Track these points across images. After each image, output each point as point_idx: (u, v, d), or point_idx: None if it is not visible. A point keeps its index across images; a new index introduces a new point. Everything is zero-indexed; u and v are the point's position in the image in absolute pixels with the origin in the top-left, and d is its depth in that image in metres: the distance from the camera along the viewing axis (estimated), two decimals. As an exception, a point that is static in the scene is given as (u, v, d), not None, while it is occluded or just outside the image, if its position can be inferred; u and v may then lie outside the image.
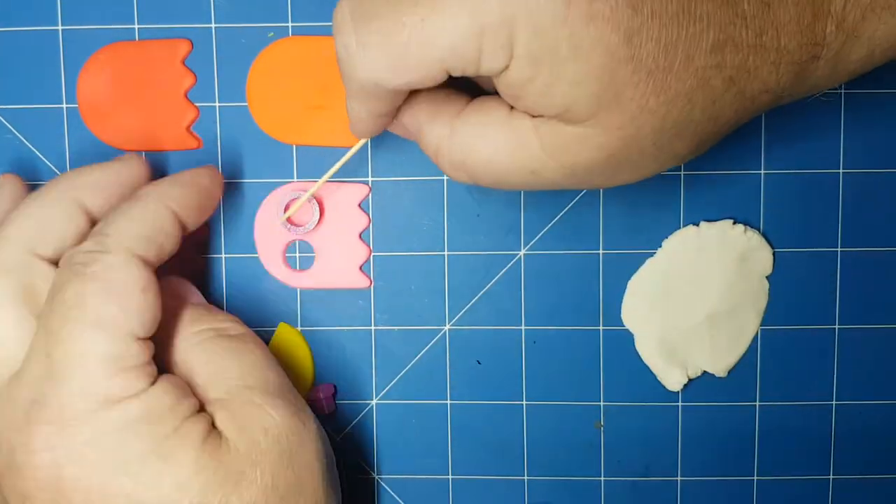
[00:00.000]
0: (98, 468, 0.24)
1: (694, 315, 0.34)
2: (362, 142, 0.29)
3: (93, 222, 0.28)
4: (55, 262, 0.27)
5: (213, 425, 0.26)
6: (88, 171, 0.29)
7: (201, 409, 0.27)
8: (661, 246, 0.34)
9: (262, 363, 0.29)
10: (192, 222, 0.28)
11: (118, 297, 0.25)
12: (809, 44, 0.22)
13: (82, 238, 0.27)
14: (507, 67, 0.22)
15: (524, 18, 0.20)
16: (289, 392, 0.28)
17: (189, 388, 0.27)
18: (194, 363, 0.28)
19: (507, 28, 0.21)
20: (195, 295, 0.32)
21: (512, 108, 0.25)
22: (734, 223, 0.34)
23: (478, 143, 0.25)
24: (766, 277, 0.34)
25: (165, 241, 0.27)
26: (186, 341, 0.28)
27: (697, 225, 0.34)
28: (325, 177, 0.31)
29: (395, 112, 0.26)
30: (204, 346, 0.28)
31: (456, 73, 0.22)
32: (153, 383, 0.25)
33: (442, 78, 0.23)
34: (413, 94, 0.26)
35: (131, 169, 0.29)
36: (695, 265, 0.34)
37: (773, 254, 0.34)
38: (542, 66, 0.21)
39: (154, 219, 0.27)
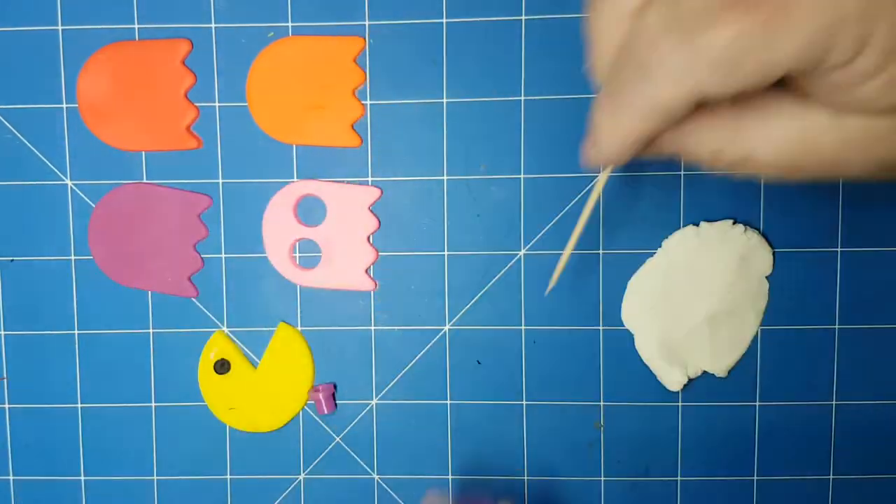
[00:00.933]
0: None
1: (694, 315, 0.34)
2: (609, 170, 0.24)
3: None
4: None
5: None
6: None
7: None
8: (661, 246, 0.34)
9: None
10: None
11: None
12: None
13: None
14: (849, 63, 0.20)
15: (892, 7, 0.18)
16: None
17: None
18: None
19: (867, 19, 0.19)
20: None
21: (801, 102, 0.22)
22: (734, 223, 0.34)
23: (765, 145, 0.22)
24: (766, 277, 0.34)
25: None
26: None
27: (697, 225, 0.34)
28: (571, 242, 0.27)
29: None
30: None
31: (793, 73, 0.20)
32: None
33: (767, 85, 0.20)
34: None
35: None
36: (695, 265, 0.34)
37: (773, 254, 0.34)
38: (893, 61, 0.19)
39: None
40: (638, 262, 0.34)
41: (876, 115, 0.21)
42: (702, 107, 0.22)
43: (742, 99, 0.22)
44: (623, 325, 0.35)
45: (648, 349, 0.34)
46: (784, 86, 0.21)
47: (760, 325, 0.34)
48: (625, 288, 0.34)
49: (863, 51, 0.19)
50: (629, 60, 0.20)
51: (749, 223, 0.34)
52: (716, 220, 0.34)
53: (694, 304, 0.34)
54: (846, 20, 0.19)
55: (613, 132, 0.21)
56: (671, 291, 0.34)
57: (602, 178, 0.25)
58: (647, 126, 0.21)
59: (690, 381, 0.34)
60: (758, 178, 0.23)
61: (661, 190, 0.34)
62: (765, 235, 0.34)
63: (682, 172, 0.34)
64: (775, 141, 0.22)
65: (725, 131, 0.23)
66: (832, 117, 0.22)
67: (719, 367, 0.34)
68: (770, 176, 0.23)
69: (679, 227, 0.34)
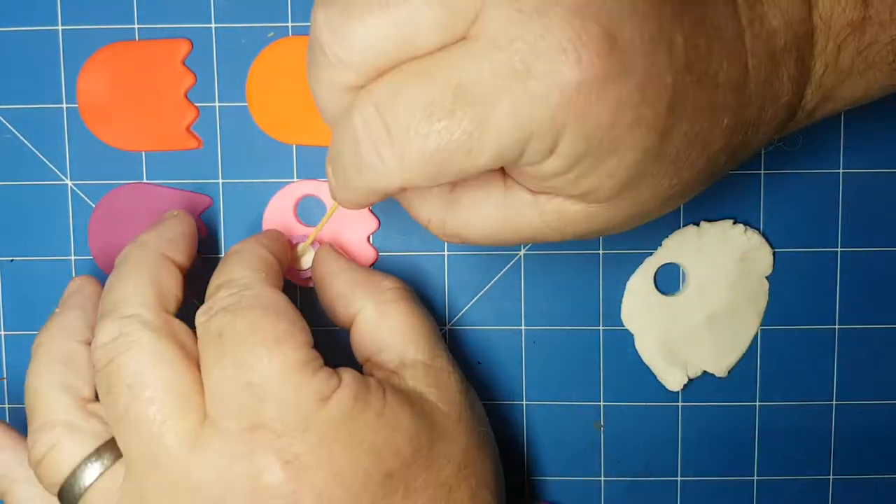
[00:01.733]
0: (335, 461, 0.25)
1: (694, 315, 0.34)
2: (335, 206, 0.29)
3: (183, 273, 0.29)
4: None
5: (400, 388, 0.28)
6: (165, 230, 0.30)
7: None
8: (661, 245, 0.34)
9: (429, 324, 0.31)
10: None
11: (283, 316, 0.26)
12: (793, 109, 0.25)
13: (184, 295, 0.28)
14: (541, 162, 0.22)
15: (573, 125, 0.20)
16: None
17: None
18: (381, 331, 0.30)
19: (553, 133, 0.21)
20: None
21: (506, 181, 0.25)
22: (734, 223, 0.34)
23: (474, 221, 0.25)
24: (767, 277, 0.34)
25: (272, 267, 0.29)
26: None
27: (698, 225, 0.34)
28: (319, 227, 0.31)
29: None
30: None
31: (486, 170, 0.22)
32: (339, 377, 0.26)
33: (474, 177, 0.23)
34: None
35: (187, 224, 0.31)
36: (695, 265, 0.34)
37: (774, 254, 0.34)
38: (580, 162, 0.21)
39: (260, 254, 0.29)
40: (638, 262, 0.34)
41: (568, 199, 0.24)
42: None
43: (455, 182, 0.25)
44: (623, 325, 0.35)
45: (648, 349, 0.34)
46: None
47: (760, 326, 0.34)
48: (624, 288, 0.34)
49: (550, 156, 0.21)
50: (346, 147, 0.22)
51: (749, 223, 0.34)
52: (716, 221, 0.34)
53: (694, 304, 0.34)
54: (535, 133, 0.20)
55: (343, 196, 0.23)
56: (672, 291, 0.34)
57: (333, 210, 0.30)
58: (370, 200, 0.23)
59: (691, 380, 0.34)
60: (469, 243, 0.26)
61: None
62: (765, 235, 0.34)
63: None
64: (482, 218, 0.25)
65: (440, 206, 0.26)
66: (532, 200, 0.24)
67: (719, 367, 0.34)
68: (478, 244, 0.26)
69: (679, 227, 0.34)
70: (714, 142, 0.23)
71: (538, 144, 0.21)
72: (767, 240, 0.34)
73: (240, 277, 0.27)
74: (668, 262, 0.34)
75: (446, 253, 0.34)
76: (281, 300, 0.27)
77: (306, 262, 0.33)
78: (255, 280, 0.27)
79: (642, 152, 0.21)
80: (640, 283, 0.34)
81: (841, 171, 0.34)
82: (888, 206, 0.34)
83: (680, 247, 0.34)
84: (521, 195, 0.24)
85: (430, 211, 0.26)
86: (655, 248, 0.34)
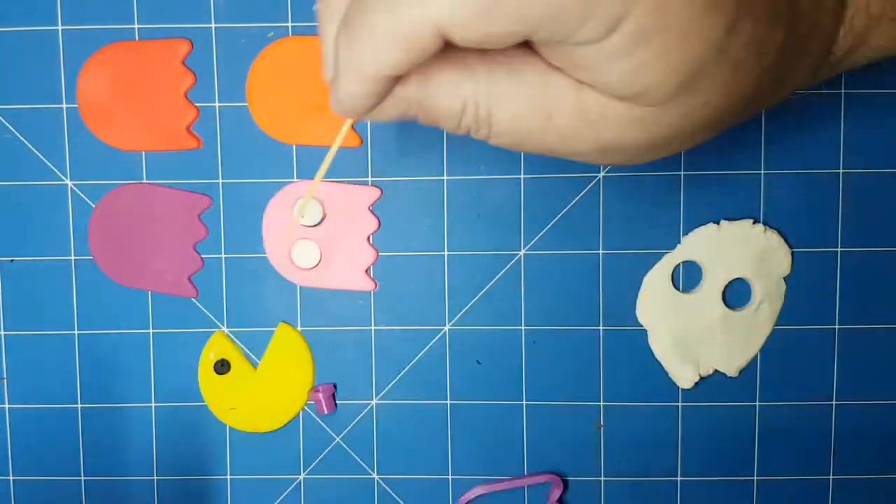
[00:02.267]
0: None
1: (710, 313, 0.34)
2: (350, 122, 0.23)
3: None
4: None
5: None
6: None
7: None
8: (680, 242, 0.34)
9: None
10: None
11: None
12: (828, 49, 0.24)
13: None
14: (602, 39, 0.19)
15: None
16: None
17: None
18: None
19: (624, 0, 0.18)
20: None
21: (548, 69, 0.22)
22: (754, 223, 0.34)
23: (507, 103, 0.21)
24: (784, 278, 0.34)
25: None
26: None
27: (718, 223, 0.34)
28: (322, 170, 0.26)
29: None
30: None
31: (538, 39, 0.19)
32: None
33: (515, 42, 0.19)
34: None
35: None
36: (713, 263, 0.34)
37: (793, 254, 0.34)
38: (645, 45, 0.19)
39: None
40: (638, 262, 0.34)
41: (614, 98, 0.21)
42: (451, 55, 0.21)
43: (490, 54, 0.21)
44: (624, 326, 0.35)
45: (662, 346, 0.34)
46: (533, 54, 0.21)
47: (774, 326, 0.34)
48: (624, 288, 0.34)
49: (616, 30, 0.19)
50: None
51: (769, 224, 0.34)
52: (736, 220, 0.34)
53: (711, 302, 0.34)
54: None
55: (351, 66, 0.19)
56: (688, 289, 0.34)
57: (343, 132, 0.23)
58: (388, 58, 0.19)
59: (702, 378, 0.34)
60: (498, 142, 0.22)
61: (661, 190, 0.34)
62: (784, 236, 0.34)
63: (682, 173, 0.34)
64: (517, 100, 0.21)
65: (476, 83, 0.21)
66: (574, 90, 0.21)
67: (731, 367, 0.34)
68: (500, 143, 0.22)
69: (699, 225, 0.34)
70: (767, 54, 0.21)
71: (605, 10, 0.18)
72: (787, 241, 0.34)
73: None
74: (686, 259, 0.34)
75: (446, 253, 0.34)
76: None
77: (308, 217, 0.32)
78: None
79: (709, 43, 0.20)
80: (657, 280, 0.34)
81: (841, 171, 0.34)
82: (888, 206, 0.34)
83: (699, 244, 0.34)
84: (563, 83, 0.21)
85: (466, 89, 0.21)
86: (675, 246, 0.34)
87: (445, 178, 0.34)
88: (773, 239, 0.34)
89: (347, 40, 0.19)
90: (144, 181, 0.34)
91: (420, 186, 0.34)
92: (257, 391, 0.35)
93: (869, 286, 0.34)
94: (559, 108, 0.21)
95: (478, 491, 0.35)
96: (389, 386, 0.35)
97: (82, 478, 0.35)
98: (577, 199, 0.34)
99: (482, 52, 0.21)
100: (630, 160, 0.23)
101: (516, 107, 0.22)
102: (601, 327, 0.35)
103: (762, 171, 0.34)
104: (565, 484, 0.35)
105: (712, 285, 0.34)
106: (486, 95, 0.21)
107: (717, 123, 0.22)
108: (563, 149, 0.22)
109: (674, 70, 0.20)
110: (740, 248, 0.34)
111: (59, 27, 0.34)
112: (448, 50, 0.20)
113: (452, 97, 0.22)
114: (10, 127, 0.34)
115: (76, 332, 0.35)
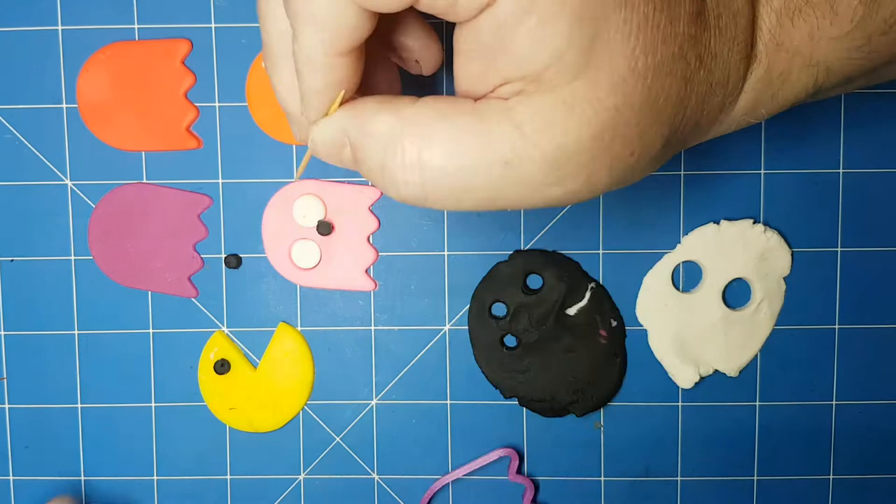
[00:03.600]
0: None
1: (710, 313, 0.34)
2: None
3: None
4: None
5: None
6: None
7: None
8: (680, 242, 0.34)
9: None
10: None
11: None
12: (748, 43, 0.23)
13: None
14: (494, 2, 0.20)
15: None
16: None
17: None
18: None
19: None
20: None
21: (476, 99, 0.22)
22: (754, 223, 0.34)
23: (439, 133, 0.21)
24: (784, 278, 0.34)
25: None
26: None
27: (718, 223, 0.34)
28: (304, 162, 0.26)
29: (355, 76, 0.22)
30: None
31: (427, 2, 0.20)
32: None
33: (409, 3, 0.20)
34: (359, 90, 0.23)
35: None
36: (713, 263, 0.34)
37: (793, 255, 0.34)
38: (535, 4, 0.19)
39: None
40: (638, 262, 0.34)
41: (535, 84, 0.21)
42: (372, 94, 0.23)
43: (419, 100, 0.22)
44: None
45: (662, 346, 0.34)
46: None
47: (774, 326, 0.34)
48: (624, 288, 0.34)
49: None
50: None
51: (769, 224, 0.34)
52: (736, 220, 0.34)
53: (711, 302, 0.34)
54: None
55: (302, 58, 0.21)
56: (688, 289, 0.34)
57: (307, 157, 0.24)
58: (325, 37, 0.21)
59: (702, 378, 0.34)
60: (433, 194, 0.22)
61: (660, 190, 0.34)
62: (784, 236, 0.34)
63: (682, 173, 0.34)
64: (452, 133, 0.21)
65: (395, 119, 0.22)
66: (505, 107, 0.21)
67: (731, 367, 0.34)
68: (442, 190, 0.22)
69: (699, 225, 0.34)
70: (680, 21, 0.21)
71: None
72: (787, 241, 0.34)
73: None
74: (686, 259, 0.34)
75: (446, 253, 0.34)
76: None
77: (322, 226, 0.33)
78: None
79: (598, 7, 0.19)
80: (657, 280, 0.34)
81: (841, 171, 0.34)
82: (888, 206, 0.34)
83: (699, 244, 0.34)
84: (492, 104, 0.21)
85: (391, 125, 0.22)
86: (675, 246, 0.34)
87: (445, 178, 0.34)
88: (773, 239, 0.34)
89: (294, 39, 0.21)
90: (144, 181, 0.34)
91: (420, 186, 0.34)
92: (257, 391, 0.35)
93: (869, 286, 0.34)
94: (495, 129, 0.21)
95: (436, 487, 0.34)
96: (389, 386, 0.35)
97: (82, 478, 0.35)
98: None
99: (404, 98, 0.22)
100: (587, 180, 0.22)
101: (448, 138, 0.21)
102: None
103: (762, 171, 0.34)
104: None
105: (712, 285, 0.34)
106: (413, 129, 0.21)
107: (658, 118, 0.22)
108: (508, 180, 0.21)
109: (570, 30, 0.20)
110: (740, 249, 0.34)
111: (59, 27, 0.34)
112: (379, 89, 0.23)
113: (379, 129, 0.22)
114: (10, 127, 0.34)
115: (76, 332, 0.35)
